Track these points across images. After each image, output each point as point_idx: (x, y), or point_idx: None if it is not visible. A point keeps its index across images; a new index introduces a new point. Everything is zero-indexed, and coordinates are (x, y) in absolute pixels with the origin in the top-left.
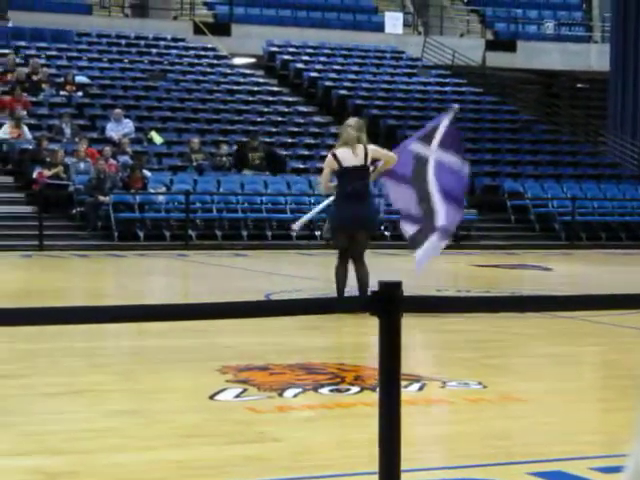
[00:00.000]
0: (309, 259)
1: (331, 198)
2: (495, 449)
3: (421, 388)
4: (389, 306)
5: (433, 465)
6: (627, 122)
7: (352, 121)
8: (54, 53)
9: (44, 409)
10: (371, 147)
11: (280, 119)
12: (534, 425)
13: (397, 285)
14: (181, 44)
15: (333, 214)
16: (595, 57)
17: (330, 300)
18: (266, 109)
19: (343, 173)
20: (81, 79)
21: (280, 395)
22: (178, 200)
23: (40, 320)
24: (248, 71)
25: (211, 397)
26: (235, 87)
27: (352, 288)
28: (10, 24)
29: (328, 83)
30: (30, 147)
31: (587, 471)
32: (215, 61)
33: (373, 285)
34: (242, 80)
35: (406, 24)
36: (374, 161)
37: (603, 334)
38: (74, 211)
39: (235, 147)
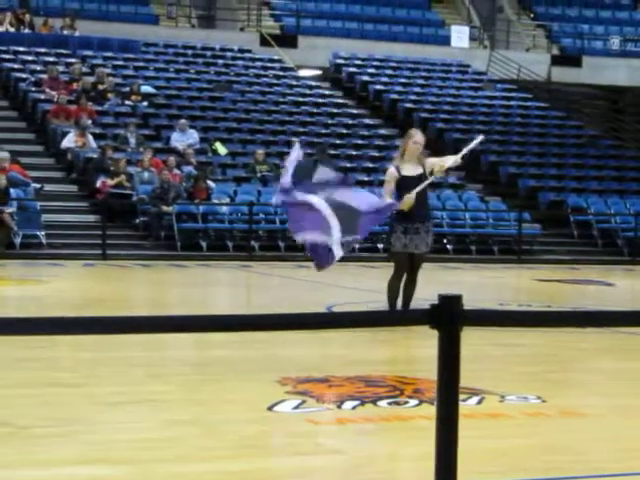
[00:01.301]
0: (370, 271)
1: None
2: (553, 463)
3: (480, 402)
4: (449, 319)
5: (490, 479)
6: None
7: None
8: (120, 63)
9: (106, 418)
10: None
11: (345, 131)
12: (593, 441)
13: (457, 298)
14: (247, 55)
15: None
16: None
17: (391, 313)
18: (331, 121)
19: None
20: (147, 89)
21: (339, 407)
22: (241, 211)
23: (103, 330)
24: (314, 83)
25: (270, 408)
26: (301, 99)
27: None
28: (77, 33)
29: (394, 96)
30: (95, 156)
31: None
32: (281, 73)
33: (433, 298)
34: (308, 92)
35: (472, 38)
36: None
37: None
38: (137, 221)
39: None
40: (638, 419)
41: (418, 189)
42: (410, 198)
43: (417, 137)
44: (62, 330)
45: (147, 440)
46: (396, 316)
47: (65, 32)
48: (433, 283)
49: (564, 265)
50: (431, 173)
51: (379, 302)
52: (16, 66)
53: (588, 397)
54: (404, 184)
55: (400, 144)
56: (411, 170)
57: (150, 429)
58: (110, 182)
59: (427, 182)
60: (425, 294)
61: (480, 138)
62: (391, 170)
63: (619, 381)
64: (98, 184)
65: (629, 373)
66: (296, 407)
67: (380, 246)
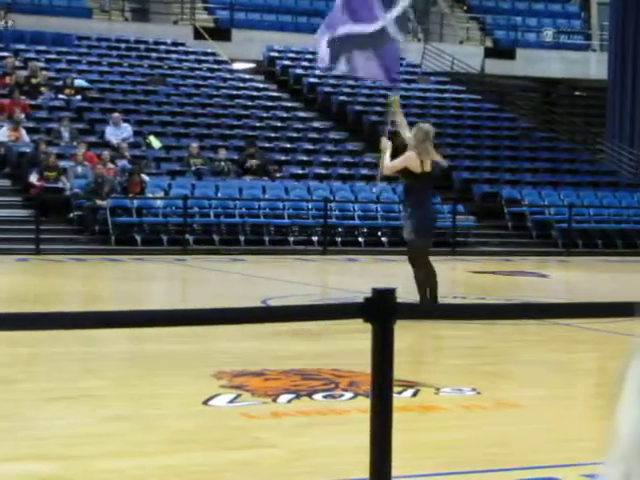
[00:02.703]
0: (306, 264)
1: None
2: (489, 456)
3: (414, 394)
4: (382, 313)
5: (425, 472)
6: (625, 130)
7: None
8: (54, 56)
9: (41, 414)
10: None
11: (279, 124)
12: (528, 432)
13: (391, 292)
14: (181, 49)
15: (420, 217)
16: (594, 65)
17: (324, 307)
18: (265, 114)
19: (424, 177)
20: (80, 83)
21: (274, 401)
22: (176, 205)
23: (38, 325)
24: (248, 76)
25: (205, 402)
26: (235, 92)
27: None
28: (10, 27)
29: (328, 89)
30: (28, 150)
31: (580, 478)
32: (215, 66)
33: (368, 291)
34: (242, 85)
35: (406, 31)
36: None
37: (599, 341)
38: (72, 215)
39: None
40: (572, 410)
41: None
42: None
43: (433, 131)
44: None
45: (82, 436)
46: (330, 309)
47: None
48: (368, 276)
49: (499, 257)
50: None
51: (314, 295)
52: None
53: (523, 389)
54: (419, 179)
55: (414, 135)
56: (428, 165)
57: (85, 424)
58: (43, 178)
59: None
60: (359, 287)
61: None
62: (413, 156)
63: (554, 372)
64: (31, 178)
65: (564, 364)
66: (231, 401)
67: (315, 239)
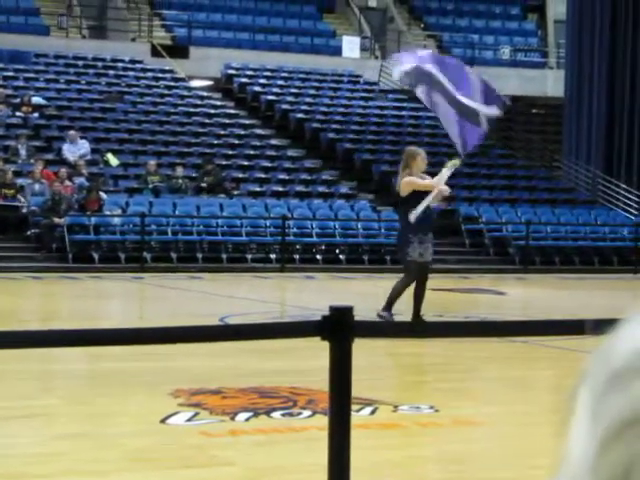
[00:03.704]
0: (264, 282)
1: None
2: (446, 473)
3: (373, 412)
4: (340, 331)
5: None
6: (582, 148)
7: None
8: (11, 74)
9: None
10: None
11: (237, 142)
12: (486, 449)
13: (348, 310)
14: (139, 66)
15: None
16: (551, 83)
17: (281, 325)
18: (223, 132)
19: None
20: (38, 100)
21: (232, 419)
22: (134, 222)
23: None
24: (206, 94)
25: (162, 421)
26: (192, 110)
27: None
28: None
29: (285, 106)
30: None
31: None
32: (173, 83)
33: (325, 308)
34: (199, 103)
35: (363, 48)
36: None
37: (556, 358)
38: (29, 233)
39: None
40: (529, 427)
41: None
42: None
43: (424, 154)
44: None
45: (37, 455)
46: (288, 327)
47: None
48: (325, 293)
49: (456, 274)
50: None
51: (273, 312)
52: None
53: (480, 406)
54: (415, 194)
55: (404, 161)
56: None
57: (41, 443)
58: None
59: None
60: (318, 304)
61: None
62: (412, 177)
63: (512, 389)
64: None
65: (521, 381)
66: (189, 419)
67: (273, 257)
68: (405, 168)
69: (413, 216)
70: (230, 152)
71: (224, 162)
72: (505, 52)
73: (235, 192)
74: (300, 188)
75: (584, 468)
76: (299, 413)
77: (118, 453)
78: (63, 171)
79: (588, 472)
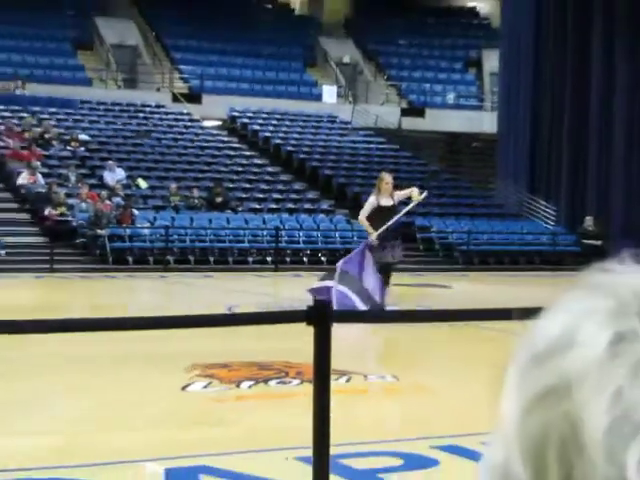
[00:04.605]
0: (262, 279)
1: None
2: (406, 425)
3: (347, 380)
4: (321, 318)
5: (357, 440)
6: (510, 172)
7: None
8: (62, 117)
9: (52, 401)
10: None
11: (240, 169)
12: (437, 409)
13: (328, 302)
14: (162, 110)
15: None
16: (486, 122)
17: (276, 313)
18: (229, 162)
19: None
20: (83, 137)
21: (237, 387)
22: (159, 233)
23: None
24: (215, 132)
25: (183, 388)
26: (205, 144)
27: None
28: (27, 93)
29: (278, 141)
30: (43, 191)
31: (478, 445)
32: (189, 123)
33: (310, 301)
34: (210, 139)
35: (339, 95)
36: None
37: (491, 339)
38: (77, 241)
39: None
40: (470, 392)
41: (390, 222)
42: (374, 237)
43: (388, 179)
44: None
45: (86, 417)
46: (280, 315)
47: (18, 92)
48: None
49: (412, 272)
50: (409, 198)
51: (269, 303)
52: None
53: (432, 376)
54: (380, 211)
55: (376, 183)
56: (385, 202)
57: (91, 408)
58: (54, 212)
59: (409, 207)
60: (304, 297)
61: (424, 195)
62: (372, 199)
63: (456, 363)
64: (45, 212)
65: (464, 357)
66: (205, 387)
67: (268, 259)
68: (375, 189)
69: (371, 238)
70: (235, 177)
71: (230, 185)
72: (450, 98)
73: (239, 209)
74: (290, 205)
75: (512, 429)
76: (290, 382)
77: (149, 414)
78: (103, 193)
79: (515, 432)
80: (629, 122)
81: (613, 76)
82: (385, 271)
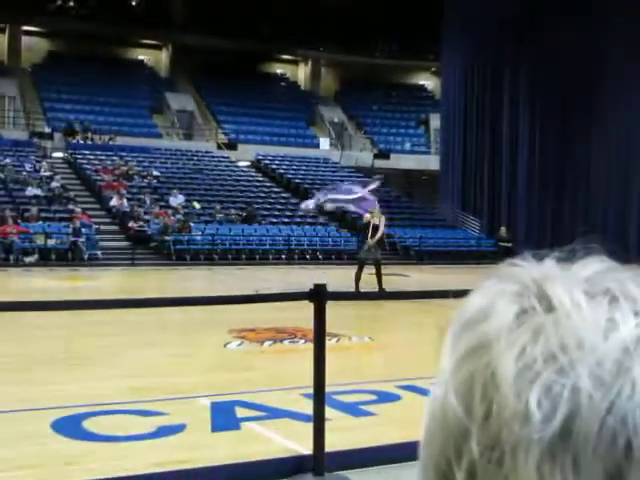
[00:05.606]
0: (278, 271)
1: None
2: (378, 369)
3: (337, 341)
4: (319, 297)
5: (346, 381)
6: (449, 196)
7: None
8: (141, 159)
9: (131, 354)
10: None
11: (263, 195)
12: (400, 360)
13: (323, 285)
14: (210, 154)
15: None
16: (432, 162)
17: (287, 294)
18: (256, 190)
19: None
20: (156, 173)
21: (261, 345)
22: (208, 239)
23: (129, 305)
24: (246, 169)
25: (225, 345)
26: (239, 178)
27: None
28: (117, 143)
29: (290, 176)
30: (127, 210)
31: (428, 385)
32: (228, 164)
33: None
34: (243, 175)
35: (331, 144)
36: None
37: (437, 311)
38: (151, 245)
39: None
40: (423, 348)
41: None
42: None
43: (376, 212)
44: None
45: (159, 364)
46: (290, 295)
47: (111, 143)
48: (312, 276)
49: (382, 265)
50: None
51: (283, 286)
52: (85, 161)
53: (397, 337)
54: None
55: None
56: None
57: (152, 355)
58: (135, 225)
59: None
60: (307, 282)
61: (377, 182)
62: (367, 216)
63: (414, 327)
64: (129, 225)
65: (419, 324)
66: (239, 345)
67: (283, 257)
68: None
69: (366, 246)
70: (259, 200)
71: (256, 206)
72: (407, 146)
73: (262, 222)
74: (297, 220)
75: (449, 375)
76: (298, 341)
77: (202, 364)
78: (169, 211)
79: (450, 377)
80: (530, 163)
81: (517, 131)
82: (360, 263)
